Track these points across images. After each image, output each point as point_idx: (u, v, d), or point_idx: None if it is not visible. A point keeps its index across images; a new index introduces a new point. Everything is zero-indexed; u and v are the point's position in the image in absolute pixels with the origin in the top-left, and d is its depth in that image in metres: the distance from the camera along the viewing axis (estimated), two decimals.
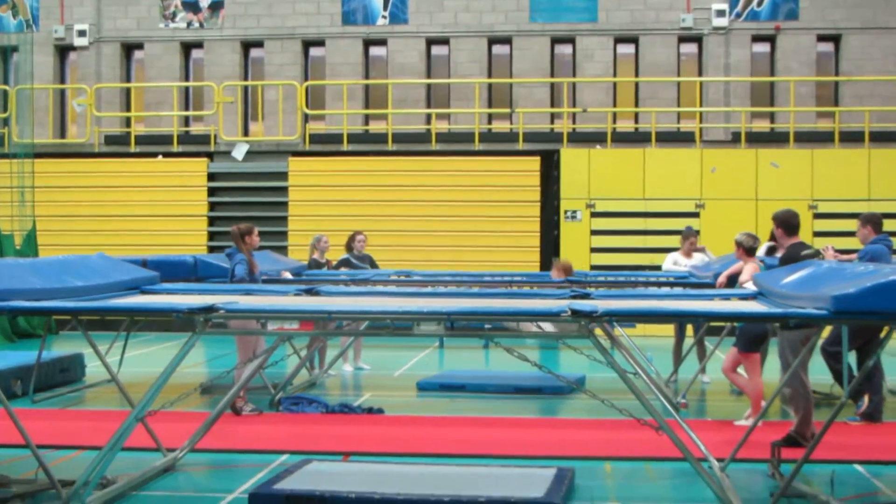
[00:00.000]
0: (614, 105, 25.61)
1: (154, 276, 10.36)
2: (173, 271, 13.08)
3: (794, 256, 10.03)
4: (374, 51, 26.61)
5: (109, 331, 13.18)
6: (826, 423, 7.70)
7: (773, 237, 12.66)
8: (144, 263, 12.30)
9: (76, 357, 15.14)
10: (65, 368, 14.73)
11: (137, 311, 9.10)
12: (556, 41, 26.00)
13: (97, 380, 14.76)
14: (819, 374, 12.21)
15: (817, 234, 20.46)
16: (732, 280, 12.22)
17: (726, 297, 9.84)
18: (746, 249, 11.88)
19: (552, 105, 25.61)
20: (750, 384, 11.35)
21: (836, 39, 25.37)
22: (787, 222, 10.64)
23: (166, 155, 24.42)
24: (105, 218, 23.47)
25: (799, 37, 25.19)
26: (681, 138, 24.48)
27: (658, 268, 17.02)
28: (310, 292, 10.19)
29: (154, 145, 25.09)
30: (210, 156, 24.47)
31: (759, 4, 25.22)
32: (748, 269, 11.68)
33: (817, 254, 10.56)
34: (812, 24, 25.11)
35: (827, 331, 11.77)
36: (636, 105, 25.68)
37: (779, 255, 11.06)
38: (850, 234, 13.52)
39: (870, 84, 24.55)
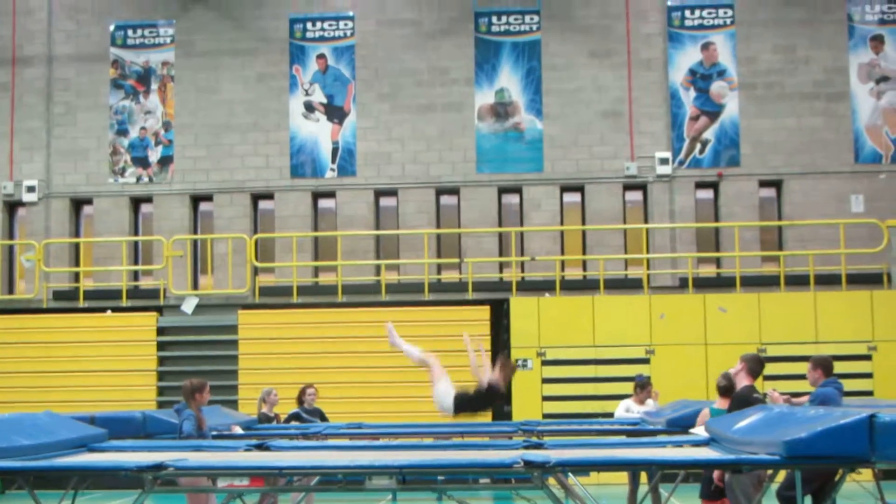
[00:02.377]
0: (562, 253, 25.81)
1: (102, 434, 10.24)
2: (122, 428, 12.92)
3: (747, 397, 10.16)
4: (323, 203, 26.80)
5: (57, 489, 12.93)
6: None
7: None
8: (92, 420, 12.16)
9: None
10: None
11: (85, 470, 8.96)
12: (503, 191, 26.31)
13: None
14: None
15: (767, 377, 20.49)
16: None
17: (679, 444, 9.84)
18: (720, 389, 11.86)
19: (501, 254, 25.79)
20: None
21: (777, 184, 25.87)
22: (754, 361, 10.76)
23: (115, 310, 24.26)
24: (53, 374, 23.12)
25: (741, 183, 25.66)
26: (629, 285, 24.70)
27: (611, 415, 17.00)
28: (260, 447, 10.08)
29: (103, 300, 24.96)
30: (159, 310, 24.34)
31: (702, 152, 25.72)
32: (702, 414, 11.72)
33: (765, 397, 10.69)
34: (754, 170, 25.62)
35: (782, 475, 11.75)
36: (584, 253, 25.89)
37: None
38: (800, 377, 13.59)
39: (812, 227, 24.96)
